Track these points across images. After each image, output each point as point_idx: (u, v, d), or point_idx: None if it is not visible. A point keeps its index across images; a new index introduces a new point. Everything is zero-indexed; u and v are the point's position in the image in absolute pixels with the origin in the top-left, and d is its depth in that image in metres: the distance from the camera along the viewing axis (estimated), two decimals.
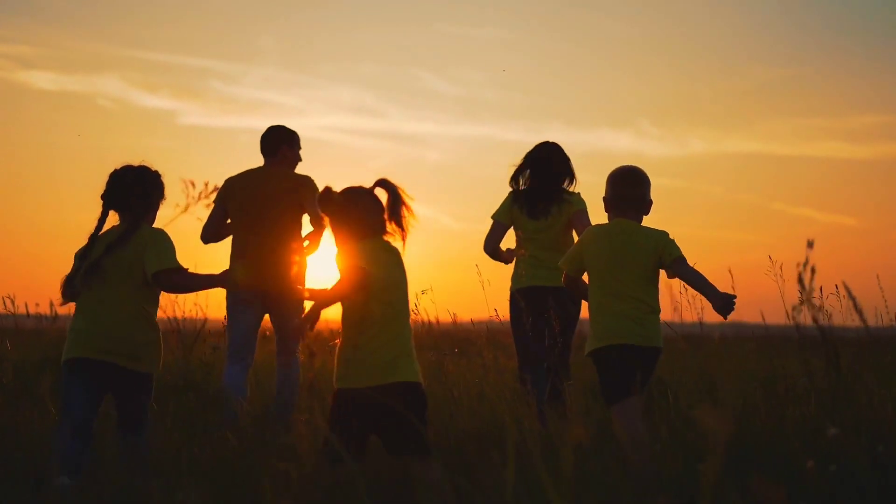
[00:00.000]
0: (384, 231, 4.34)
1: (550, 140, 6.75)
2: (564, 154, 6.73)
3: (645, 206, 5.00)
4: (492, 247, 6.61)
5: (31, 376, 7.26)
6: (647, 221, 4.99)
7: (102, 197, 4.98)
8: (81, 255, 4.92)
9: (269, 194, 6.85)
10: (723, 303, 4.77)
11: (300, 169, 7.13)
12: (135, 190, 4.95)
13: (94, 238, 4.93)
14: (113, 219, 5.02)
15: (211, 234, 6.91)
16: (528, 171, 6.68)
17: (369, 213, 4.33)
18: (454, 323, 7.10)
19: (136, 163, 5.03)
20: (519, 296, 6.47)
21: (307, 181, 6.92)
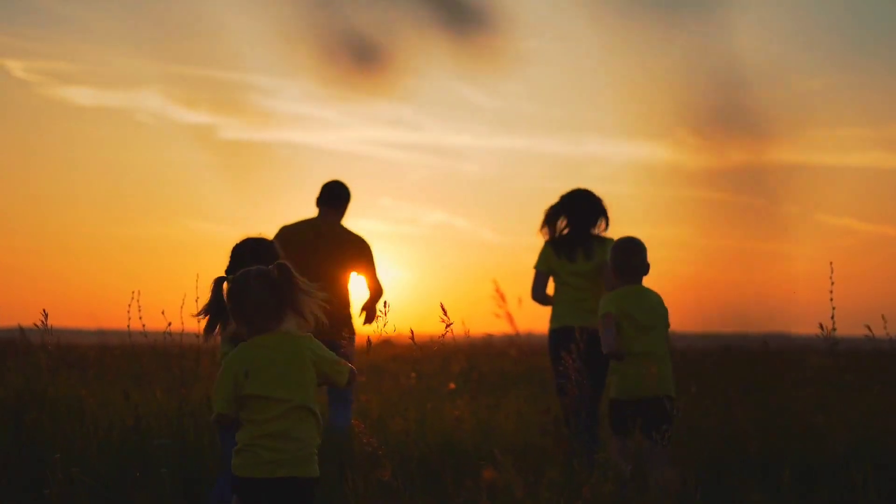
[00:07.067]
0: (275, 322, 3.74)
1: (582, 187, 7.02)
2: (596, 198, 6.97)
3: (647, 270, 5.74)
4: (540, 294, 6.91)
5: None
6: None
7: (226, 272, 5.19)
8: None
9: (330, 248, 6.96)
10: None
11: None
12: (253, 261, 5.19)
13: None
14: None
15: None
16: (565, 217, 6.90)
17: (245, 307, 3.76)
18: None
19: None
20: (561, 334, 6.61)
21: (365, 244, 7.12)
